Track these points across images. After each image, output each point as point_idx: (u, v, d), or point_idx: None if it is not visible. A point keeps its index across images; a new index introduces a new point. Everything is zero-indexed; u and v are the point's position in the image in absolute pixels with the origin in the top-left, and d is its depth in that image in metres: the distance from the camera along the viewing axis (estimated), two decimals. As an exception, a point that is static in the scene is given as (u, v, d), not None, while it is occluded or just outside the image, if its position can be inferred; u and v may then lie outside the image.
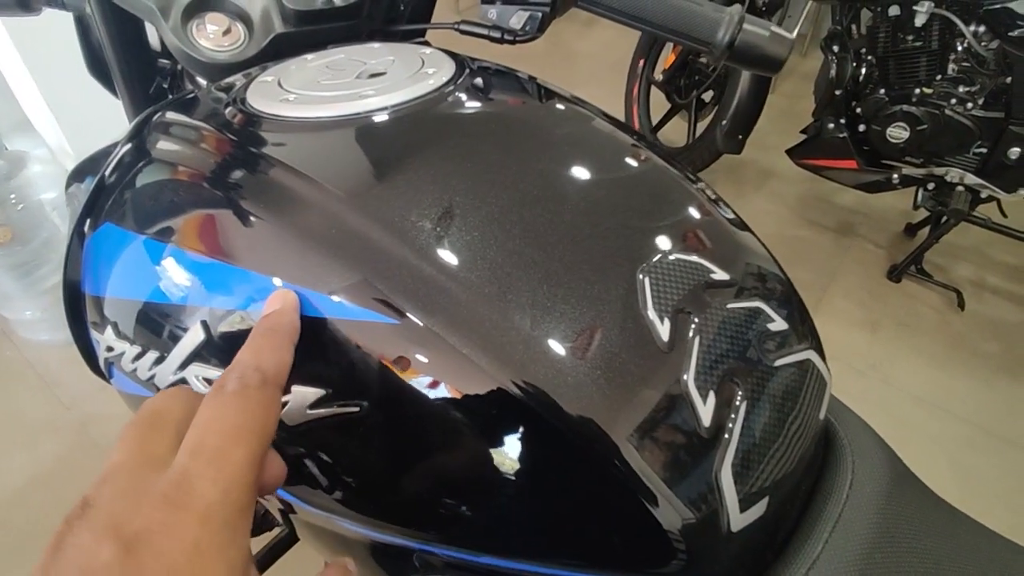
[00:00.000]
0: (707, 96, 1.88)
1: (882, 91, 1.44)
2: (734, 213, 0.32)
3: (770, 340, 0.26)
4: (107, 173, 0.34)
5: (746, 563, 0.24)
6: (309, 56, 0.38)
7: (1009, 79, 1.26)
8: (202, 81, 0.47)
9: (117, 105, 0.54)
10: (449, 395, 0.22)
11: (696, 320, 0.24)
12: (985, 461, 1.23)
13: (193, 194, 0.29)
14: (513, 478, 0.22)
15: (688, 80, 1.89)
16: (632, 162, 0.31)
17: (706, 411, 0.23)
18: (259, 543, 0.64)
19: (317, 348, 0.24)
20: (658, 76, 1.93)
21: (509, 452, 0.22)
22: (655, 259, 0.25)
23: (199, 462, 0.18)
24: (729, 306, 0.25)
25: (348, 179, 0.27)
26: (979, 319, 1.53)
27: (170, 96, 0.54)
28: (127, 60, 0.51)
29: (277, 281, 0.24)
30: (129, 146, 0.34)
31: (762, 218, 1.88)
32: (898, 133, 1.42)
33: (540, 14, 0.43)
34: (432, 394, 0.23)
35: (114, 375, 0.33)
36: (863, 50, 1.45)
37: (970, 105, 1.34)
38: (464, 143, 0.29)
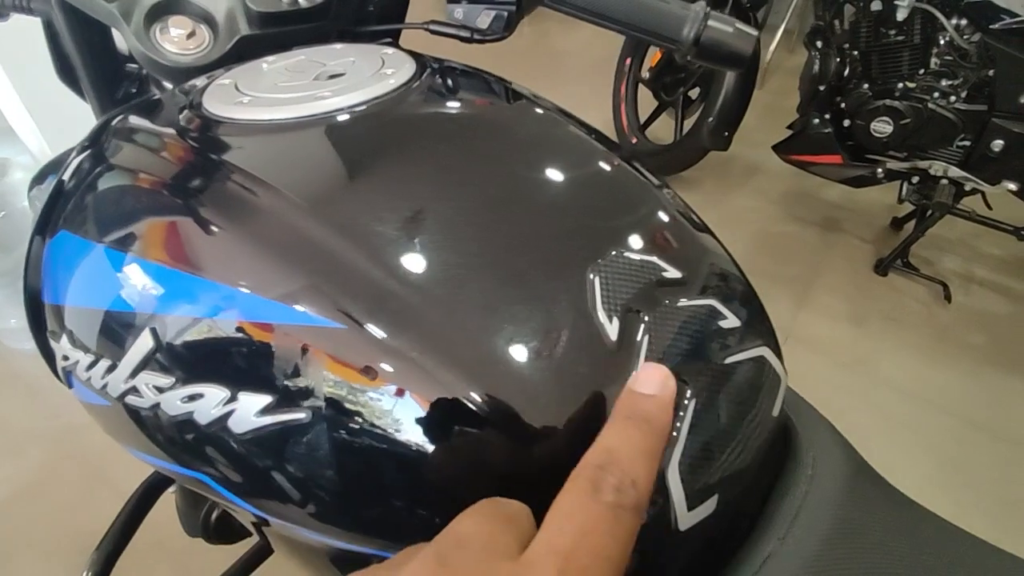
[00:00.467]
0: (694, 93, 1.89)
1: (865, 86, 1.45)
2: (694, 214, 0.32)
3: (722, 337, 0.26)
4: (64, 178, 0.34)
5: (699, 561, 0.24)
6: (270, 58, 0.38)
7: (991, 72, 1.27)
8: (168, 85, 0.46)
9: (97, 110, 0.54)
10: (396, 401, 0.22)
11: (646, 319, 0.24)
12: (971, 453, 1.24)
13: (136, 199, 0.29)
14: (460, 481, 0.22)
15: (674, 78, 1.89)
16: (591, 163, 0.31)
17: None
18: (234, 554, 0.64)
19: (262, 354, 0.23)
20: (645, 74, 1.93)
21: (452, 455, 0.22)
22: (606, 258, 0.25)
23: None
24: (680, 304, 0.25)
25: (296, 181, 0.27)
26: (966, 311, 1.54)
27: None
28: (94, 65, 0.50)
29: (222, 284, 0.24)
30: (86, 152, 0.34)
31: (749, 214, 1.88)
32: (882, 127, 1.43)
33: (506, 13, 0.43)
34: (379, 400, 0.22)
35: (73, 384, 0.33)
36: (846, 45, 1.46)
37: (953, 98, 1.35)
38: (419, 144, 0.29)
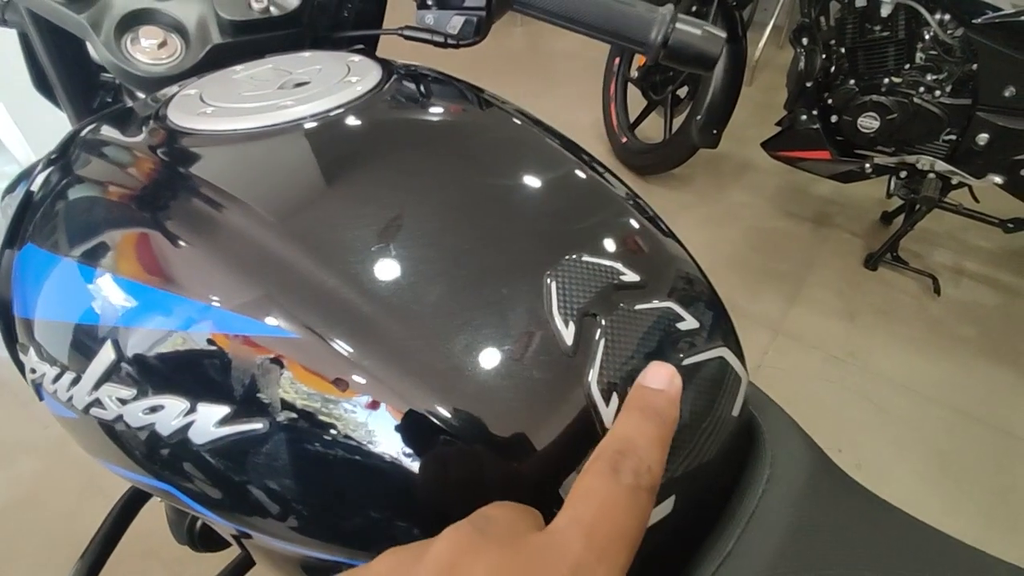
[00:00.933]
0: (682, 92, 1.89)
1: (852, 82, 1.46)
2: (659, 220, 0.32)
3: (680, 340, 0.26)
4: (32, 190, 0.34)
5: (656, 563, 0.25)
6: (238, 67, 0.38)
7: (975, 66, 1.28)
8: (141, 95, 0.46)
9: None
10: (351, 410, 0.22)
11: (603, 322, 0.24)
12: (964, 445, 1.24)
13: (97, 211, 0.29)
14: (416, 487, 0.22)
15: (663, 77, 1.90)
16: (553, 169, 0.31)
17: (609, 413, 0.23)
18: (227, 561, 0.64)
19: (220, 365, 0.24)
20: (634, 73, 1.94)
21: (407, 462, 0.22)
22: (563, 263, 0.25)
23: (591, 551, 0.18)
24: (638, 307, 0.26)
25: (253, 190, 0.27)
26: (955, 304, 1.55)
27: None
28: (68, 76, 0.50)
29: (179, 296, 0.24)
30: (53, 163, 0.34)
31: (740, 210, 1.89)
32: (869, 123, 1.43)
33: (475, 18, 0.43)
34: (335, 409, 0.23)
35: (43, 396, 0.33)
36: (832, 42, 1.47)
37: (938, 93, 1.36)
38: (379, 152, 0.29)
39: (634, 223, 0.30)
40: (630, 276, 0.26)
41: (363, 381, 0.22)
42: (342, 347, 0.23)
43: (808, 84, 1.49)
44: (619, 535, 0.19)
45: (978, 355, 1.42)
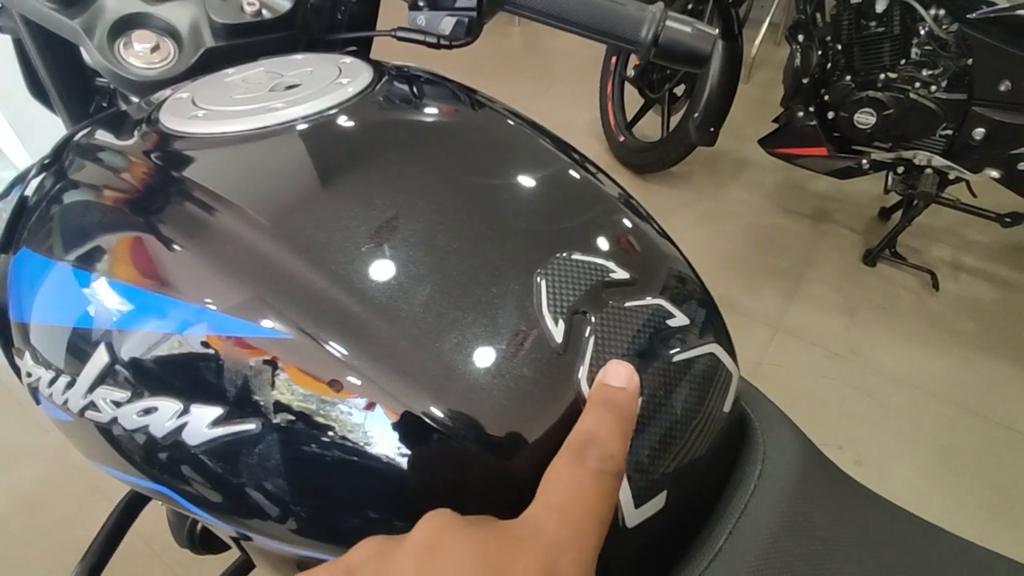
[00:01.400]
0: (679, 90, 1.89)
1: (848, 78, 1.46)
2: (652, 220, 0.32)
3: (670, 336, 0.26)
4: (26, 194, 0.34)
5: (649, 558, 0.25)
6: (230, 70, 0.38)
7: (970, 60, 1.28)
8: (135, 99, 0.47)
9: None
10: (344, 410, 0.23)
11: (592, 320, 0.25)
12: (965, 439, 1.24)
13: (90, 215, 0.29)
14: (407, 485, 0.23)
15: (660, 75, 1.90)
16: (544, 169, 0.31)
17: None
18: (217, 568, 0.64)
19: (212, 367, 0.24)
20: (631, 72, 1.94)
21: (399, 460, 0.22)
22: (553, 262, 0.26)
23: (563, 529, 0.19)
24: (627, 304, 0.26)
25: (244, 193, 0.27)
26: (954, 299, 1.55)
27: None
28: (62, 81, 0.51)
29: (171, 298, 0.25)
30: (47, 168, 0.34)
31: (739, 207, 1.89)
32: (865, 119, 1.43)
33: (467, 19, 0.44)
34: (325, 408, 0.23)
35: (39, 400, 0.33)
36: (828, 38, 1.46)
37: (934, 88, 1.36)
38: (369, 154, 0.29)
39: (625, 222, 0.30)
40: (620, 274, 0.26)
41: (355, 381, 0.22)
42: (334, 348, 0.23)
43: (804, 81, 1.49)
44: (589, 515, 0.20)
45: (978, 349, 1.42)
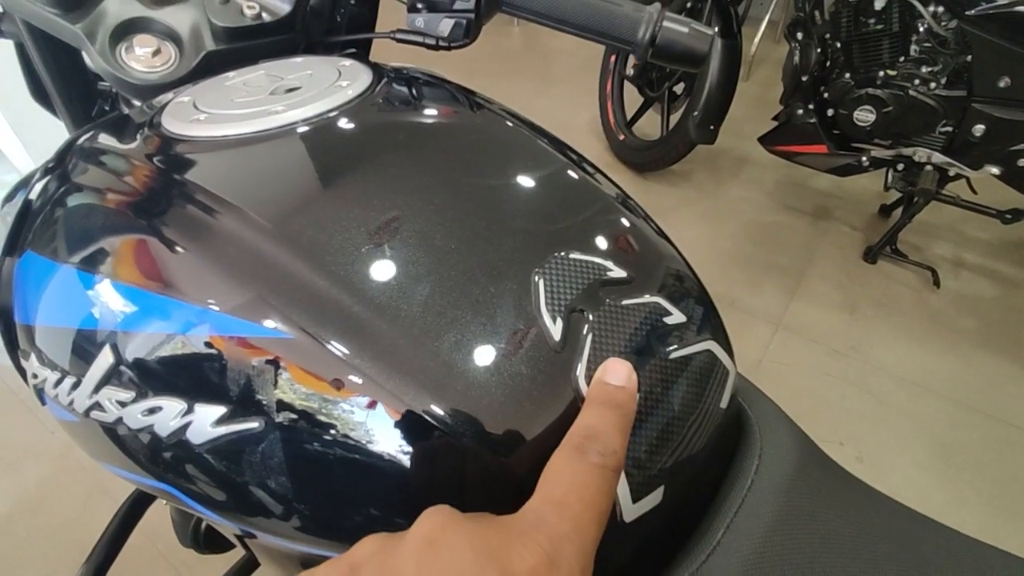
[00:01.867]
0: (679, 89, 1.89)
1: (847, 75, 1.46)
2: (650, 219, 0.32)
3: (667, 334, 0.26)
4: (31, 198, 0.34)
5: (647, 552, 0.25)
6: (231, 73, 0.39)
7: (969, 57, 1.28)
8: (137, 103, 0.47)
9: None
10: (344, 407, 0.23)
11: (590, 318, 0.25)
12: (966, 436, 1.24)
13: (94, 218, 0.29)
14: (409, 482, 0.23)
15: (659, 74, 1.90)
16: (542, 170, 0.32)
17: None
18: (221, 567, 0.64)
19: (216, 366, 0.24)
20: (630, 71, 1.94)
21: (400, 458, 0.23)
22: (551, 261, 0.26)
23: (564, 522, 0.19)
24: (625, 302, 0.26)
25: (246, 194, 0.27)
26: (955, 296, 1.55)
27: None
28: (65, 85, 0.51)
29: (174, 299, 0.25)
30: (51, 172, 0.35)
31: (740, 205, 1.89)
32: (865, 116, 1.43)
33: (465, 20, 0.44)
34: (327, 407, 0.23)
35: (45, 401, 0.33)
36: (827, 36, 1.47)
37: (933, 85, 1.36)
38: (369, 155, 0.30)
39: (622, 221, 0.30)
40: (617, 272, 0.27)
41: (356, 380, 0.23)
42: (335, 347, 0.23)
43: (804, 78, 1.49)
44: (589, 508, 0.20)
45: (978, 346, 1.42)
